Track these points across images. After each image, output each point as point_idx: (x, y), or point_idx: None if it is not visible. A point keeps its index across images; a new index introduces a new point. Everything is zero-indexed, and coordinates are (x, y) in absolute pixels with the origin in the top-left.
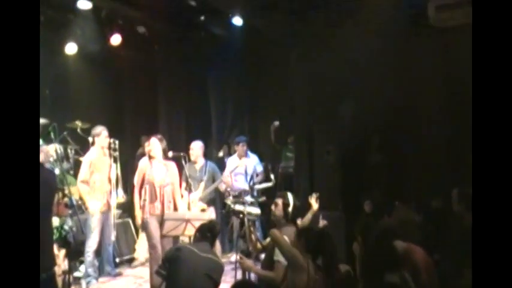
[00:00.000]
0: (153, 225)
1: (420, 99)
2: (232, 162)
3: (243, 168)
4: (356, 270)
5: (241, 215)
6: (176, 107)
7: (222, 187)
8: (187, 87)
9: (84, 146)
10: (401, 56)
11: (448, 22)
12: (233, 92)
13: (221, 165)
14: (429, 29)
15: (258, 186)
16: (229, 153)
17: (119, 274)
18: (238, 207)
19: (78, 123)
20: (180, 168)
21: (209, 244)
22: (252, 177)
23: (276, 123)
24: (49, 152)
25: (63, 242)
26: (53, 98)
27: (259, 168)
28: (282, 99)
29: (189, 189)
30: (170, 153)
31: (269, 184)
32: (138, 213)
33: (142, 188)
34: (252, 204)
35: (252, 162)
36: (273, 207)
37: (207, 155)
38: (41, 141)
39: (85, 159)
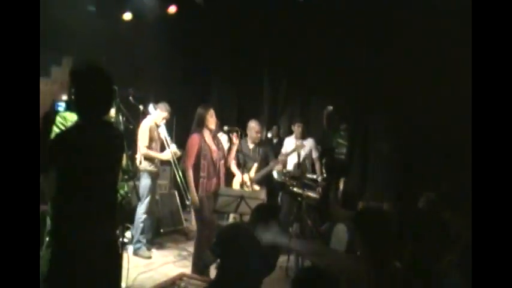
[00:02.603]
0: (207, 203)
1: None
2: (289, 143)
3: (298, 150)
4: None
5: (299, 198)
6: (228, 83)
7: (275, 169)
8: (240, 61)
9: (133, 114)
10: None
11: None
12: (288, 72)
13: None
14: None
15: (308, 176)
16: (279, 135)
17: (159, 244)
18: (297, 189)
19: (131, 90)
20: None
21: (268, 227)
22: (303, 162)
23: (330, 108)
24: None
25: (119, 208)
26: (109, 63)
27: (315, 154)
28: (338, 84)
29: (243, 168)
30: (225, 128)
31: (317, 178)
32: (194, 192)
33: (196, 164)
34: (311, 188)
35: (308, 146)
36: (330, 194)
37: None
38: None
39: (145, 125)
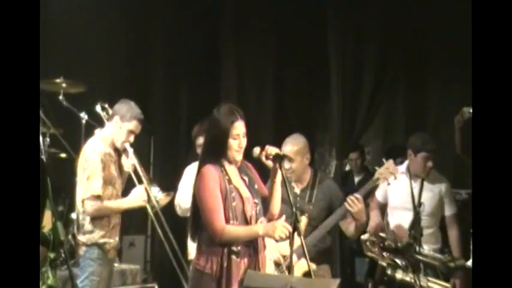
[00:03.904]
0: None
1: None
2: (397, 187)
3: (409, 198)
4: None
5: None
6: (260, 73)
7: (349, 227)
8: (282, 22)
9: (69, 128)
10: None
11: None
12: (376, 52)
13: (346, 186)
14: None
15: (427, 252)
16: (362, 164)
17: None
18: (404, 275)
19: (62, 82)
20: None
21: None
22: (416, 221)
23: (468, 110)
24: None
25: None
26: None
27: (450, 209)
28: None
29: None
30: (257, 150)
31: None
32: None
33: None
34: (435, 274)
35: (437, 191)
36: None
37: (315, 165)
38: None
39: (92, 153)
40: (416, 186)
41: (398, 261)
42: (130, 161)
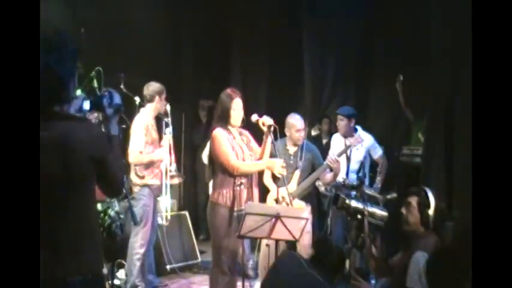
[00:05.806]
0: (234, 225)
1: None
2: (336, 142)
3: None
4: None
5: (359, 216)
6: (253, 59)
7: (326, 177)
8: (273, 31)
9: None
10: None
11: None
12: (339, 42)
13: (316, 146)
14: None
15: (368, 191)
16: (330, 131)
17: (165, 286)
18: (356, 204)
19: (123, 75)
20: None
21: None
22: (361, 168)
23: (400, 77)
24: None
25: (107, 235)
26: (89, 40)
27: (378, 152)
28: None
29: (281, 179)
30: (255, 117)
31: (376, 195)
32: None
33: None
34: (375, 202)
35: (364, 145)
36: (403, 210)
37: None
38: (78, 92)
39: (139, 124)
40: (347, 142)
41: (353, 193)
42: (167, 135)
